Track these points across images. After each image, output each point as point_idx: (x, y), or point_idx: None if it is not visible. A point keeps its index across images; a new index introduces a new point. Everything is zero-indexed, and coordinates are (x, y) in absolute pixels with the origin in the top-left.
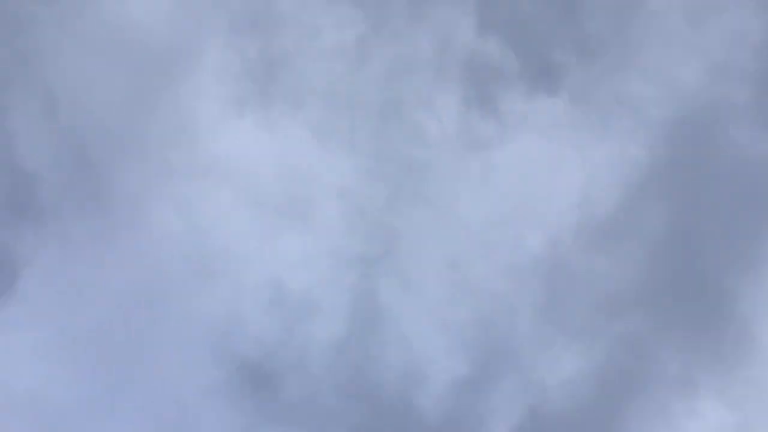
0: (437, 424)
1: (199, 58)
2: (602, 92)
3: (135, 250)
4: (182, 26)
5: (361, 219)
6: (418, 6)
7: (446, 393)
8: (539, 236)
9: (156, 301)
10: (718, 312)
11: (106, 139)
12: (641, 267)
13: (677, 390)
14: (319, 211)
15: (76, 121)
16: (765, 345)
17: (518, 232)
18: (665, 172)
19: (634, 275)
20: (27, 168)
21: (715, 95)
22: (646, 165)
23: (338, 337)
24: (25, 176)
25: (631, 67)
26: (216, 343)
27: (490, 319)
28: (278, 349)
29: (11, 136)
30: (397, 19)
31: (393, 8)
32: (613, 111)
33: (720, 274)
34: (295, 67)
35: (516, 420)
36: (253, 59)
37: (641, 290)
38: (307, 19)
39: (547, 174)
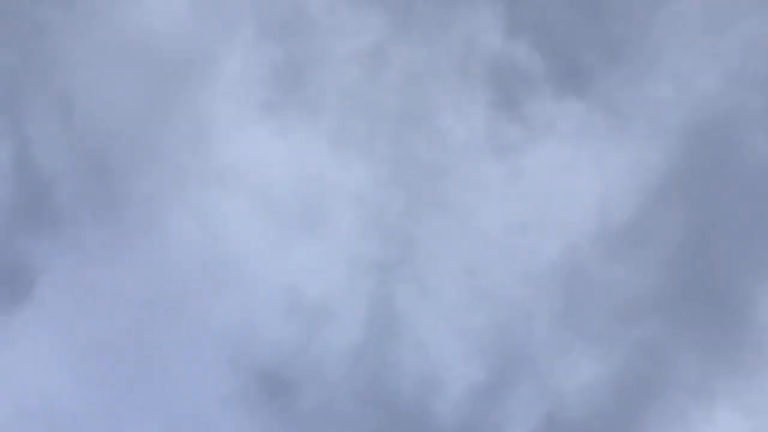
0: (454, 430)
1: (215, 65)
2: (620, 98)
3: (151, 258)
4: (199, 33)
5: (379, 226)
6: (441, 10)
7: (463, 399)
8: (557, 242)
9: (172, 309)
10: (737, 319)
11: (123, 146)
12: (659, 273)
13: (695, 397)
14: (336, 218)
15: (93, 127)
16: None
17: (536, 239)
18: (683, 178)
19: (652, 281)
20: (43, 174)
21: (733, 101)
22: (664, 171)
23: (355, 344)
24: (41, 183)
25: (649, 73)
26: (232, 350)
27: (507, 326)
28: (295, 356)
29: (28, 142)
30: (418, 24)
31: (415, 12)
32: (632, 117)
33: (738, 281)
34: (312, 74)
35: (533, 426)
36: (270, 66)
37: (659, 296)
38: (326, 25)
39: (565, 180)
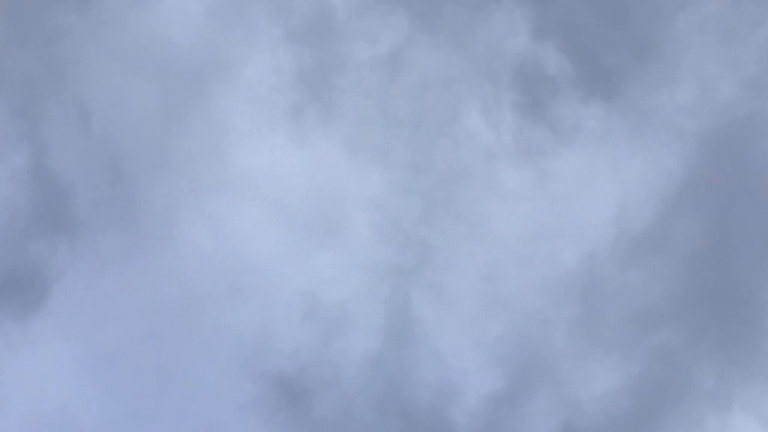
0: None
1: (231, 73)
2: (638, 105)
3: (167, 265)
4: (216, 41)
5: (396, 232)
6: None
7: (480, 408)
8: (575, 249)
9: (188, 316)
10: (754, 326)
11: (139, 153)
12: (677, 280)
13: (712, 403)
14: (353, 225)
15: (109, 134)
16: None
17: (554, 246)
18: (701, 185)
19: (669, 289)
20: (59, 181)
21: (751, 108)
22: (682, 178)
23: (372, 351)
24: (57, 190)
25: (667, 80)
26: (249, 357)
27: (524, 333)
28: (311, 363)
29: (44, 148)
30: (442, 28)
31: (433, 17)
32: (650, 123)
33: (756, 288)
34: (330, 81)
35: None
36: (287, 74)
37: (677, 304)
38: (345, 31)
39: (583, 187)
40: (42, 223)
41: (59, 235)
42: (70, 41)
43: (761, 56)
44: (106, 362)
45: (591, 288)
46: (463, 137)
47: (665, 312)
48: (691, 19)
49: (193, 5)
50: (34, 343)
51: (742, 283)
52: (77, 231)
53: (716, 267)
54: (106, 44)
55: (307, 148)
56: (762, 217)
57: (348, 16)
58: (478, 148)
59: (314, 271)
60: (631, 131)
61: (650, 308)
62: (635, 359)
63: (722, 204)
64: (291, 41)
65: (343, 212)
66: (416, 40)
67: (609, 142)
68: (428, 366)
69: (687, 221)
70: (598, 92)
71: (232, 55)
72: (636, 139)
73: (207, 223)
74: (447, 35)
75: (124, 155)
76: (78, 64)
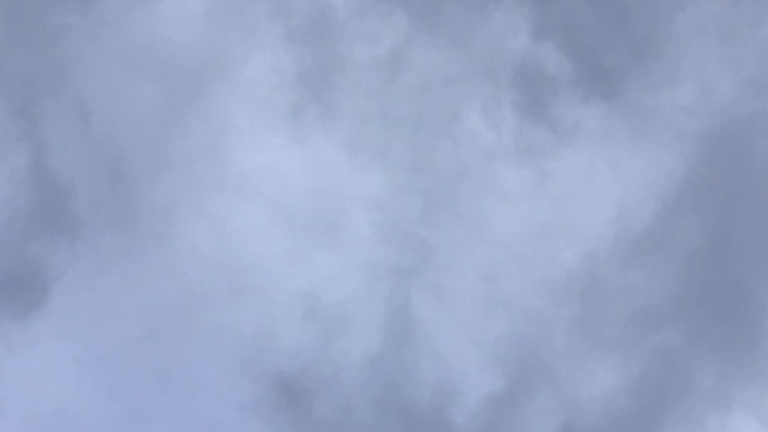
0: None
1: (231, 74)
2: (638, 105)
3: (167, 265)
4: (216, 41)
5: (395, 232)
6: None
7: (480, 408)
8: (575, 249)
9: (188, 316)
10: (754, 326)
11: (139, 153)
12: (677, 280)
13: (712, 403)
14: (352, 225)
15: (109, 134)
16: None
17: (554, 246)
18: (701, 185)
19: (669, 289)
20: (59, 181)
21: (751, 108)
22: (682, 178)
23: (372, 351)
24: (57, 190)
25: (667, 80)
26: (249, 358)
27: (524, 334)
28: (312, 363)
29: (44, 148)
30: (435, 30)
31: (433, 17)
32: (650, 123)
33: (756, 288)
34: (329, 81)
35: None
36: (286, 74)
37: (677, 304)
38: (345, 31)
39: (583, 187)
40: (42, 223)
41: (59, 235)
42: (70, 41)
43: (761, 56)
44: (106, 362)
45: (591, 288)
46: (462, 137)
47: (665, 312)
48: (690, 19)
49: (193, 5)
50: (34, 343)
51: (742, 283)
52: (77, 231)
53: (716, 267)
54: (106, 44)
55: (307, 148)
56: (762, 217)
57: (348, 16)
58: (478, 148)
59: (314, 271)
60: (631, 131)
61: (650, 308)
62: (635, 359)
63: (722, 204)
64: (291, 41)
65: (343, 212)
66: (416, 39)
67: (609, 142)
68: (428, 366)
69: (687, 221)
70: (597, 92)
71: (232, 55)
72: (636, 139)
73: (207, 222)
74: (447, 35)
75: (124, 155)
76: (78, 64)
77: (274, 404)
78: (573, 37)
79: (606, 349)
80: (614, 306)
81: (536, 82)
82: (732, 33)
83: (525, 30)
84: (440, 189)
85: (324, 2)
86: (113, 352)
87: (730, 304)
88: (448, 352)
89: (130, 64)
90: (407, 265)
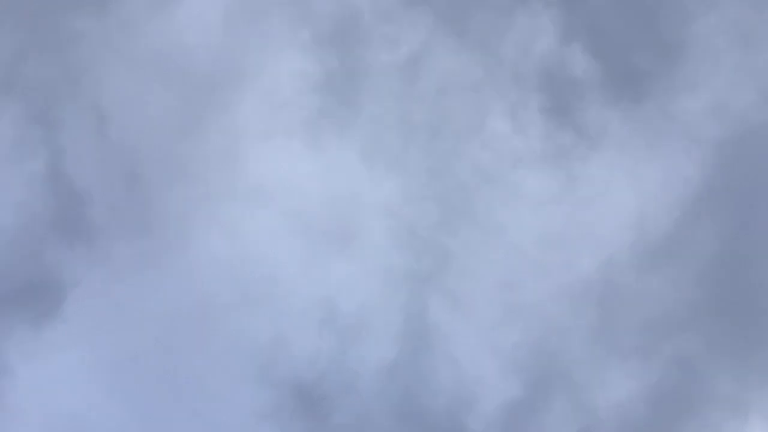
0: None
1: (247, 79)
2: (655, 112)
3: (182, 272)
4: (232, 47)
5: (412, 239)
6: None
7: (497, 415)
8: (592, 256)
9: (203, 324)
10: None
11: (155, 161)
12: (694, 287)
13: (730, 410)
14: (368, 232)
15: (125, 141)
16: None
17: (571, 252)
18: (719, 191)
19: (687, 295)
20: (74, 188)
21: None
22: (700, 184)
23: (389, 359)
24: (72, 197)
25: (684, 87)
26: (265, 366)
27: (542, 340)
28: (329, 371)
29: (60, 154)
30: (452, 37)
31: (449, 24)
32: (667, 130)
33: None
34: (346, 87)
35: None
36: (302, 81)
37: (695, 311)
38: (362, 37)
39: (600, 193)
40: (57, 231)
41: (74, 243)
42: (87, 47)
43: None
44: (121, 369)
45: (609, 295)
46: (481, 142)
47: (683, 319)
48: (709, 25)
49: (211, 12)
50: (48, 350)
51: (761, 289)
52: (93, 237)
53: (734, 274)
54: (123, 50)
55: (324, 155)
56: None
57: (368, 22)
58: (496, 154)
59: (331, 279)
60: (649, 137)
61: (668, 315)
62: (653, 366)
63: (741, 211)
64: (308, 48)
65: (359, 219)
66: (438, 44)
67: (627, 149)
68: (445, 373)
69: (705, 228)
70: (616, 98)
71: (248, 61)
72: (654, 145)
73: (223, 229)
74: (472, 39)
75: (140, 162)
76: (95, 69)
77: (290, 412)
78: (597, 41)
79: (623, 356)
80: (632, 313)
81: (559, 86)
82: (751, 39)
83: (553, 33)
84: (457, 195)
85: (344, 8)
86: (128, 360)
87: (747, 310)
88: (465, 359)
89: (148, 70)
90: (424, 272)
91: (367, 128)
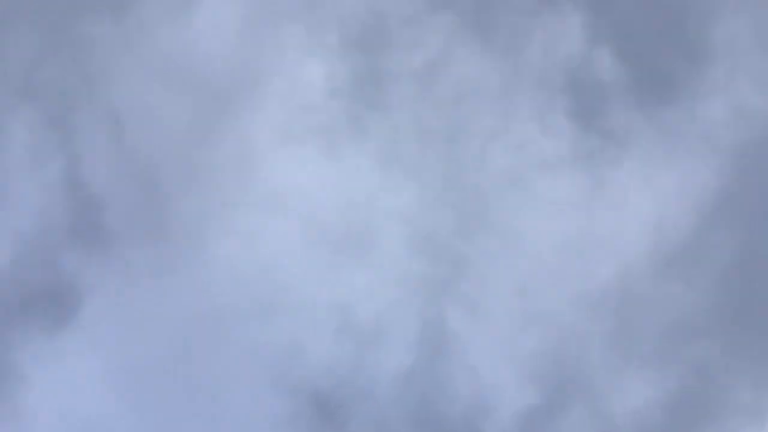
0: None
1: (263, 86)
2: (672, 118)
3: (198, 279)
4: (248, 54)
5: (429, 246)
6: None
7: (515, 423)
8: (610, 263)
9: (219, 331)
10: None
11: (170, 167)
12: (713, 294)
13: (748, 417)
14: (384, 239)
15: (141, 147)
16: None
17: (588, 259)
18: (737, 198)
19: (705, 302)
20: (90, 195)
21: None
22: (718, 191)
23: (405, 366)
24: (88, 203)
25: (702, 93)
26: (282, 374)
27: (559, 348)
28: (345, 378)
29: (76, 161)
30: (468, 42)
31: (465, 31)
32: (685, 136)
33: None
34: (361, 93)
35: None
36: (318, 88)
37: (713, 317)
38: (377, 43)
39: (617, 200)
40: (72, 238)
41: (90, 250)
42: (103, 53)
43: None
44: (136, 376)
45: (626, 302)
46: (499, 149)
47: (701, 325)
48: (724, 33)
49: (228, 18)
50: (63, 357)
51: None
52: (108, 245)
53: (752, 280)
54: (140, 56)
55: (340, 161)
56: None
57: (387, 27)
58: (514, 160)
59: (347, 286)
60: (668, 143)
61: (686, 321)
62: (671, 373)
63: (758, 217)
64: (325, 54)
65: (375, 226)
66: (460, 48)
67: (643, 157)
68: (462, 380)
69: (723, 234)
70: (639, 103)
71: (265, 68)
72: (673, 151)
73: (239, 237)
74: (496, 44)
75: (156, 168)
76: (112, 76)
77: (307, 419)
78: (622, 44)
79: (641, 363)
80: (650, 320)
81: (586, 92)
82: (765, 46)
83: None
84: (474, 202)
85: (362, 14)
86: (143, 366)
87: (766, 317)
88: (482, 365)
89: (164, 76)
90: (441, 279)
91: (384, 134)
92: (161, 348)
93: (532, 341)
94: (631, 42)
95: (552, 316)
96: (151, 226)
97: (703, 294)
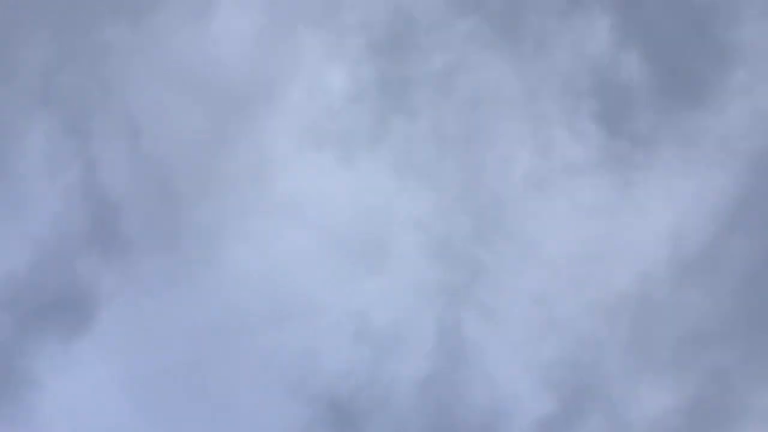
0: None
1: (279, 94)
2: (690, 124)
3: (213, 288)
4: (264, 62)
5: (446, 253)
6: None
7: (532, 430)
8: (627, 271)
9: (235, 339)
10: None
11: (187, 174)
12: (731, 301)
13: (766, 424)
14: (401, 246)
15: (156, 154)
16: None
17: (606, 267)
18: (755, 205)
19: (724, 309)
20: (105, 203)
21: None
22: (736, 198)
23: (422, 374)
24: (103, 211)
25: (719, 100)
26: (298, 382)
27: (576, 356)
28: (362, 386)
29: (94, 166)
30: (494, 45)
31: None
32: (702, 143)
33: None
34: (378, 100)
35: None
36: (333, 93)
37: (731, 324)
38: (392, 50)
39: (635, 207)
40: (87, 246)
41: (104, 258)
42: (120, 59)
43: None
44: (152, 384)
45: (644, 309)
46: (511, 159)
47: (719, 332)
48: (742, 38)
49: (245, 25)
50: (78, 365)
51: None
52: (124, 252)
53: None
54: (156, 63)
55: (356, 168)
56: None
57: (404, 33)
58: (537, 166)
59: (363, 293)
60: (683, 152)
61: (704, 329)
62: (689, 380)
63: None
64: (341, 62)
65: (391, 233)
66: (482, 55)
67: (661, 163)
68: (479, 387)
69: (741, 241)
70: (659, 109)
71: (281, 75)
72: (688, 159)
73: (254, 245)
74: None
75: (172, 176)
76: (128, 82)
77: (324, 427)
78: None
79: (659, 371)
80: (667, 327)
81: (611, 96)
82: None
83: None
84: (492, 208)
85: (373, 21)
86: (158, 375)
87: None
88: (499, 373)
89: (181, 83)
90: (458, 286)
91: (401, 141)
92: (177, 355)
93: (549, 348)
94: (658, 45)
95: (569, 323)
96: (167, 232)
97: (721, 301)
